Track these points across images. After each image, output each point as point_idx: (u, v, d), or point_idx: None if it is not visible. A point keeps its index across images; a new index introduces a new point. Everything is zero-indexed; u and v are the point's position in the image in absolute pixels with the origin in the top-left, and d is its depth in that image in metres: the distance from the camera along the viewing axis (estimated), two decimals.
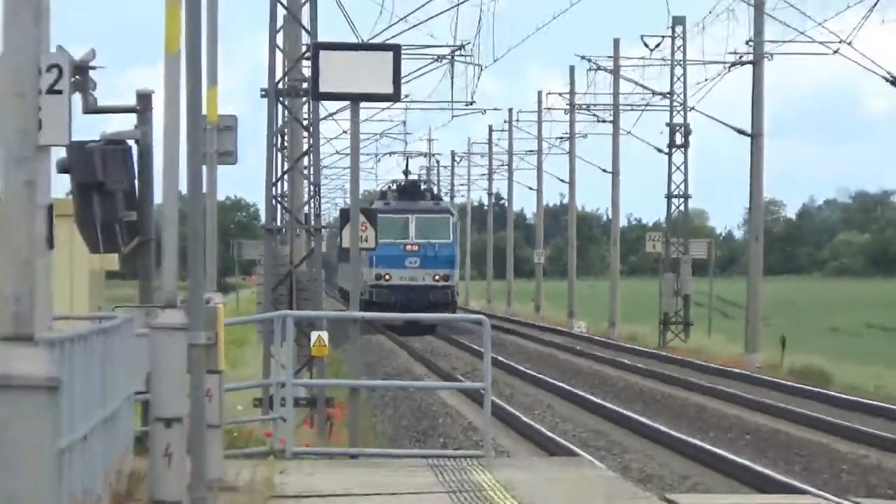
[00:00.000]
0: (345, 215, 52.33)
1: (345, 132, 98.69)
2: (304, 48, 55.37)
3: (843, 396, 74.71)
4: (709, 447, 52.29)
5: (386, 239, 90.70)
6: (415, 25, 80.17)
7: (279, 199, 55.80)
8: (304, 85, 54.57)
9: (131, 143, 24.04)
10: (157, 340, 23.43)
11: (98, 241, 23.84)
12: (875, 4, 75.03)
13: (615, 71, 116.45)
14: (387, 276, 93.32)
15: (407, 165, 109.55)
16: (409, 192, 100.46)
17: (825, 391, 77.93)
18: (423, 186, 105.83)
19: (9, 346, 11.17)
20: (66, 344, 20.45)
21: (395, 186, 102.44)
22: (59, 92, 20.44)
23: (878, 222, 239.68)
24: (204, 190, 30.13)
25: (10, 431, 11.22)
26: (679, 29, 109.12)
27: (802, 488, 39.53)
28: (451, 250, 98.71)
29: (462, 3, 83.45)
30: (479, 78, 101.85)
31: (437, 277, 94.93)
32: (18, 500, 11.64)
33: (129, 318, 26.59)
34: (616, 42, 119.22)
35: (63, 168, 23.82)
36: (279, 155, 56.03)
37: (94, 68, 21.80)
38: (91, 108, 22.88)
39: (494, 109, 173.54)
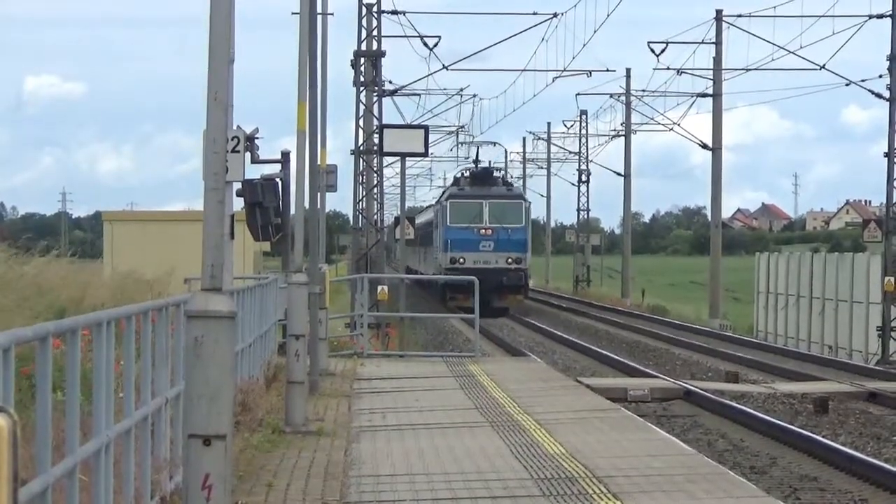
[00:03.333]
0: (396, 220, 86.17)
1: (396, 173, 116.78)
2: (374, 126, 70.31)
3: (676, 322, 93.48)
4: (602, 351, 65.52)
5: (460, 223, 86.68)
6: (437, 115, 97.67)
7: (360, 211, 72.73)
8: (375, 147, 70.22)
9: (278, 180, 30.75)
10: (291, 290, 31.71)
11: (258, 234, 31.13)
12: (693, 103, 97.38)
13: (548, 140, 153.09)
14: (461, 260, 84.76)
15: (477, 155, 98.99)
16: (482, 178, 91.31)
17: (665, 319, 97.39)
18: (494, 173, 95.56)
19: (208, 294, 13.32)
20: (239, 292, 29.06)
21: (467, 174, 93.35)
22: (238, 151, 25.04)
23: (696, 224, 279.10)
24: (318, 206, 38.27)
25: (207, 342, 13.19)
26: (584, 116, 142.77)
27: (654, 374, 51.38)
28: (523, 234, 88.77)
29: (463, 103, 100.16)
30: (478, 147, 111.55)
31: (509, 261, 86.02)
32: (210, 382, 13.54)
33: (275, 277, 38.35)
34: (548, 124, 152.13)
35: (239, 194, 29.93)
36: (360, 186, 73.40)
37: (257, 137, 27.87)
38: (255, 160, 29.13)
39: (479, 161, 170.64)
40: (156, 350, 17.41)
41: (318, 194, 38.33)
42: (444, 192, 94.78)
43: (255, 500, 19.26)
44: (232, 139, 23.07)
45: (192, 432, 12.59)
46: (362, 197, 71.40)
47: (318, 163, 37.49)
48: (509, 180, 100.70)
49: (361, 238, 71.51)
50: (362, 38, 71.38)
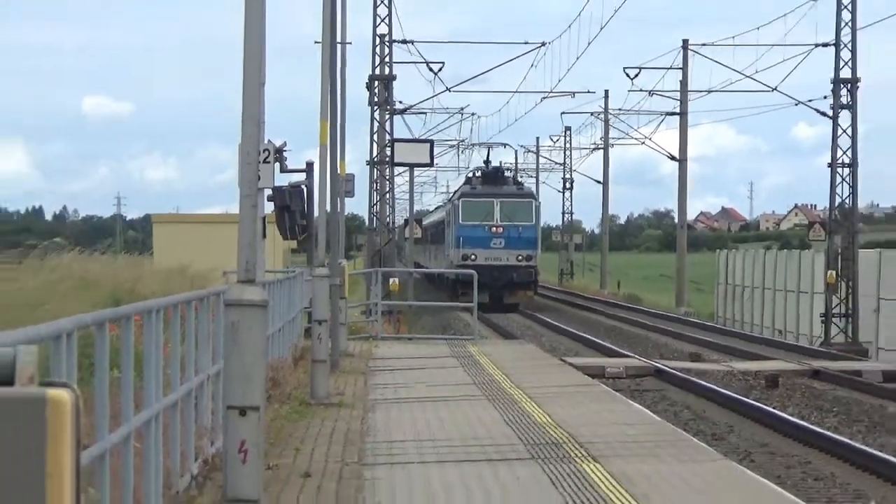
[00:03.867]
0: (406, 222, 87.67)
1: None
2: (386, 140, 70.69)
3: (648, 309, 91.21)
4: (584, 335, 63.76)
5: (472, 221, 79.96)
6: (441, 130, 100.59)
7: (374, 213, 72.37)
8: (387, 158, 70.88)
9: (303, 186, 30.72)
10: (314, 282, 31.64)
11: (286, 234, 31.15)
12: (662, 120, 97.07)
13: (536, 153, 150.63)
14: (472, 256, 77.32)
15: (488, 155, 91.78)
16: (493, 178, 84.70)
17: (638, 307, 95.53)
18: (506, 173, 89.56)
19: (243, 285, 13.56)
20: (270, 284, 29.17)
21: (478, 173, 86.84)
22: (268, 162, 24.93)
23: (664, 225, 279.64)
24: (338, 209, 38.43)
25: (242, 327, 13.40)
26: (568, 132, 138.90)
27: (628, 354, 50.71)
28: (533, 232, 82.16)
29: (463, 120, 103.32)
30: (489, 148, 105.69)
31: (520, 258, 79.19)
32: (245, 362, 13.74)
33: (301, 271, 37.82)
34: (537, 139, 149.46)
35: (270, 199, 29.89)
36: (374, 193, 72.79)
37: (285, 150, 27.91)
38: (283, 170, 29.05)
39: (490, 161, 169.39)
40: (199, 333, 17.40)
41: (338, 199, 38.34)
42: (456, 192, 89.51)
43: (284, 462, 19.31)
44: (263, 152, 23.11)
45: (230, 404, 12.68)
46: (376, 202, 71.48)
47: (338, 172, 37.61)
48: (519, 180, 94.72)
49: (375, 237, 71.67)
50: (376, 63, 71.43)
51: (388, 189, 75.33)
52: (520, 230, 79.59)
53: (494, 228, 78.40)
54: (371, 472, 18.87)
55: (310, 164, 33.44)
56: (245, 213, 13.71)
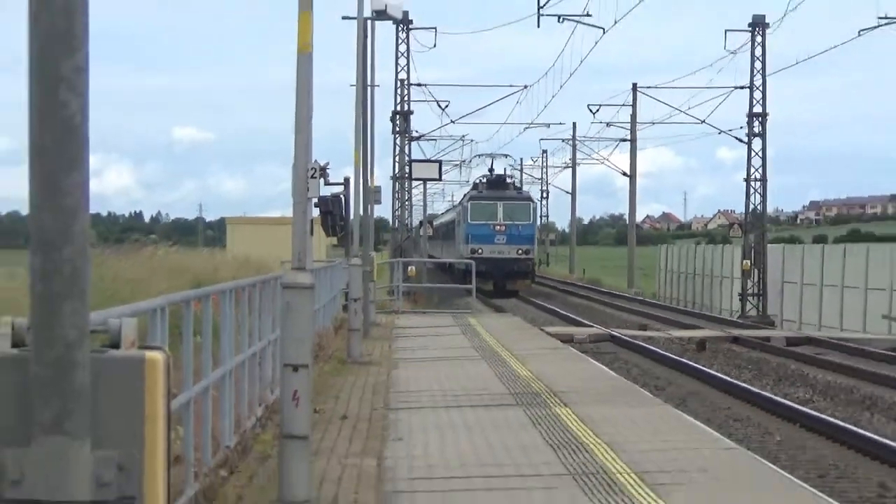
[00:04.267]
0: (421, 223, 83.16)
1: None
2: (406, 161, 69.10)
3: (606, 290, 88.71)
4: (555, 308, 63.13)
5: (479, 220, 75.52)
6: (447, 153, 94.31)
7: (397, 216, 70.62)
8: (406, 174, 69.31)
9: (341, 196, 30.94)
10: (350, 269, 31.94)
11: (329, 232, 31.83)
12: (617, 145, 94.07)
13: (521, 170, 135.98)
14: (479, 251, 72.22)
15: (492, 164, 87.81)
16: (496, 183, 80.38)
17: (599, 288, 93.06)
18: (510, 180, 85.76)
19: (296, 272, 12.95)
20: (316, 271, 27.69)
21: (484, 180, 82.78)
22: (315, 177, 24.76)
23: (618, 225, 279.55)
24: (368, 213, 38.60)
25: (294, 304, 12.77)
26: (545, 154, 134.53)
27: (591, 324, 49.02)
28: (531, 230, 77.75)
29: (464, 145, 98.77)
30: (493, 159, 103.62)
31: (519, 252, 74.94)
32: (298, 332, 13.13)
33: (340, 261, 37.30)
34: (521, 160, 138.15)
35: (317, 205, 29.33)
36: (396, 200, 70.64)
37: (327, 168, 27.96)
38: (327, 183, 29.23)
39: (493, 170, 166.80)
40: (262, 309, 17.59)
41: (369, 206, 38.44)
42: (465, 196, 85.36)
43: (327, 407, 19.38)
44: (311, 169, 23.11)
45: (286, 362, 12.62)
46: (398, 207, 71.27)
47: (369, 185, 37.74)
48: (519, 185, 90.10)
49: (397, 235, 71.69)
50: (397, 102, 71.29)
51: (407, 198, 74.09)
52: (519, 228, 75.55)
53: (498, 227, 74.26)
54: (394, 414, 18.92)
55: (346, 179, 33.68)
56: (297, 216, 13.58)
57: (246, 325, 16.36)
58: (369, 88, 37.66)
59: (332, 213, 36.14)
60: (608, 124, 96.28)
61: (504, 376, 24.63)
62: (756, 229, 64.40)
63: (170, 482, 4.07)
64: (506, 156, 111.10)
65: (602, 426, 17.30)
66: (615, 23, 42.79)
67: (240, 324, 15.83)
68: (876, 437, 21.08)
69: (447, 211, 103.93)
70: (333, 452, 15.37)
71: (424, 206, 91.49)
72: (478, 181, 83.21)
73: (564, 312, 59.95)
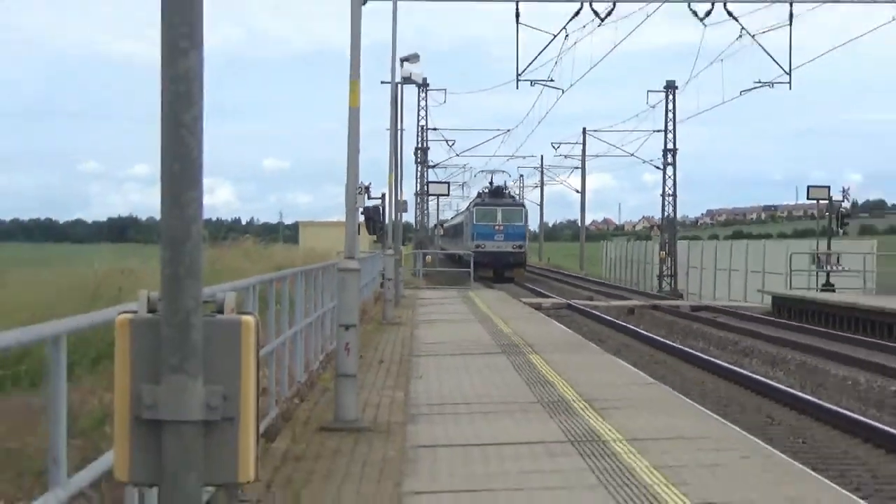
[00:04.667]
0: (435, 225, 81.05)
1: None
2: (424, 182, 69.73)
3: (565, 272, 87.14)
4: (529, 285, 61.91)
5: (482, 222, 69.50)
6: (453, 176, 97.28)
7: (418, 221, 72.17)
8: (425, 191, 69.79)
9: (379, 206, 31.73)
10: (385, 258, 32.18)
11: (371, 231, 33.07)
12: (572, 171, 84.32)
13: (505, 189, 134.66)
14: (482, 245, 66.81)
15: (492, 179, 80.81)
16: (496, 193, 74.35)
17: (560, 271, 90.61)
18: (506, 190, 78.81)
19: (348, 260, 12.86)
20: (362, 259, 26.25)
21: (486, 191, 76.79)
22: (361, 193, 25.04)
23: (573, 228, 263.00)
24: (398, 219, 37.95)
25: (346, 282, 12.64)
26: (521, 178, 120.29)
27: (553, 296, 48.80)
28: (523, 230, 71.32)
29: (466, 171, 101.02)
30: (492, 174, 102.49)
31: (514, 246, 69.08)
32: (348, 302, 12.87)
33: (380, 253, 35.61)
34: (504, 182, 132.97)
35: (363, 213, 28.59)
36: (418, 209, 71.26)
37: (370, 186, 28.26)
38: (369, 198, 30.28)
39: (493, 183, 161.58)
40: (324, 285, 17.47)
41: (398, 214, 38.57)
42: (471, 203, 79.32)
43: (368, 354, 19.33)
44: (358, 188, 23.24)
45: (340, 323, 12.64)
46: (419, 214, 71.70)
47: (398, 199, 37.80)
48: (514, 195, 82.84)
49: (418, 234, 71.89)
50: (419, 141, 71.44)
51: (425, 208, 74.94)
52: (514, 228, 69.86)
53: (497, 227, 68.72)
54: (416, 360, 18.95)
55: (383, 195, 34.49)
56: (349, 221, 13.61)
57: (312, 297, 16.27)
58: (399, 132, 37.80)
59: (373, 219, 36.41)
60: (566, 156, 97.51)
61: (492, 333, 24.61)
62: (669, 230, 64.48)
63: (258, 407, 4.10)
64: (503, 171, 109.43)
65: (561, 368, 17.33)
66: (570, 85, 42.66)
67: (308, 296, 15.72)
68: (758, 376, 21.29)
69: (454, 217, 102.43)
70: (374, 386, 15.38)
71: (437, 213, 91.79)
72: (481, 191, 78.86)
73: (535, 288, 59.82)
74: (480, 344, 22.07)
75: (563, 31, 37.23)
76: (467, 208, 78.75)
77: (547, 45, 38.76)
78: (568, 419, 12.41)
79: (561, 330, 26.57)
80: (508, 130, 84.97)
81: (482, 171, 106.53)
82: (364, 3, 14.68)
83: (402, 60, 34.84)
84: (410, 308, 33.44)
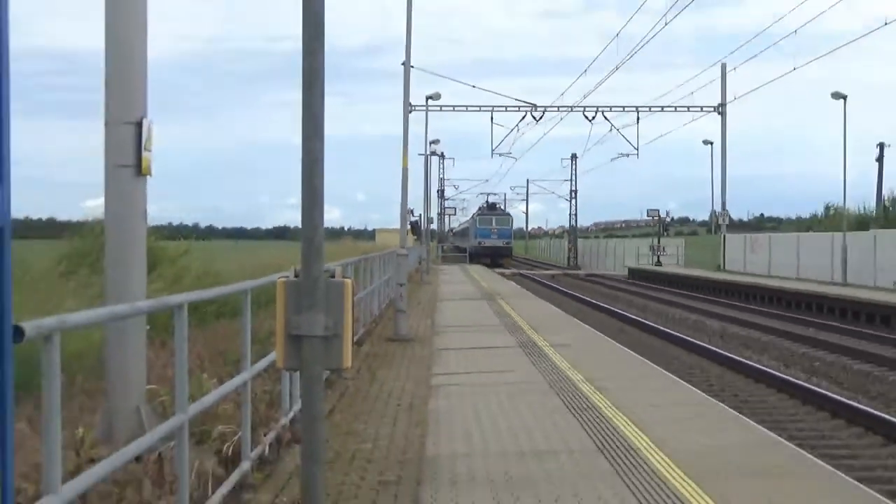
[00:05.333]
0: (449, 230, 71.38)
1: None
2: (444, 207, 64.06)
3: (517, 257, 75.17)
4: (511, 271, 56.32)
5: (482, 226, 60.43)
6: (458, 202, 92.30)
7: (439, 228, 64.84)
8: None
9: (419, 221, 30.15)
10: (422, 249, 31.38)
11: (414, 234, 30.31)
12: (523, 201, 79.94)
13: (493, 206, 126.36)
14: (482, 242, 59.27)
15: (488, 198, 69.45)
16: (491, 207, 64.45)
17: (517, 257, 76.90)
18: (497, 205, 67.54)
19: (401, 249, 13.31)
20: (410, 249, 24.65)
21: (485, 205, 65.85)
22: (408, 213, 20.04)
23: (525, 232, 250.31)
24: (428, 227, 35.89)
25: (400, 262, 12.73)
26: (504, 199, 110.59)
27: (510, 269, 45.70)
28: (510, 231, 61.48)
29: (466, 201, 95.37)
30: (488, 195, 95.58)
31: (504, 242, 59.96)
32: (402, 273, 12.82)
33: (419, 246, 33.98)
34: (495, 203, 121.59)
35: (410, 225, 25.93)
36: (439, 222, 64.66)
37: (412, 210, 27.87)
38: (412, 216, 28.97)
39: (489, 200, 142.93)
40: (387, 265, 16.83)
41: (427, 224, 37.70)
42: (474, 214, 68.28)
43: (412, 300, 18.29)
44: (408, 212, 22.19)
45: (397, 282, 12.58)
46: (440, 225, 69.58)
47: (428, 216, 37.41)
48: (503, 208, 70.62)
49: (439, 235, 69.58)
50: (439, 185, 65.38)
51: (443, 221, 71.91)
52: (504, 230, 60.20)
53: (493, 229, 59.79)
54: (439, 304, 18.72)
55: (420, 215, 33.74)
56: (402, 229, 13.82)
57: (380, 270, 15.87)
58: (427, 181, 37.68)
59: (415, 227, 36.15)
60: (517, 193, 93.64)
61: (477, 288, 24.28)
62: (572, 233, 63.33)
63: (353, 328, 3.96)
64: (496, 194, 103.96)
65: (515, 306, 17.20)
66: (522, 155, 43.03)
67: (379, 268, 15.39)
68: (616, 309, 21.02)
69: (460, 224, 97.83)
70: (415, 316, 15.16)
71: (448, 223, 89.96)
72: (482, 205, 69.56)
73: (501, 263, 57.71)
74: (471, 294, 21.71)
75: (517, 126, 37.12)
76: (471, 217, 72.34)
77: (507, 134, 38.64)
78: (517, 334, 12.25)
79: (515, 286, 26.08)
80: (487, 180, 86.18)
81: (480, 193, 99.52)
82: (410, 112, 15.03)
83: (431, 142, 35.23)
84: (435, 276, 32.64)
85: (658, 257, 44.88)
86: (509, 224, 64.45)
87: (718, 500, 4.09)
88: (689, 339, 14.49)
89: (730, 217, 38.79)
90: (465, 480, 4.51)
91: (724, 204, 37.12)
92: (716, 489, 4.26)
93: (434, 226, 69.25)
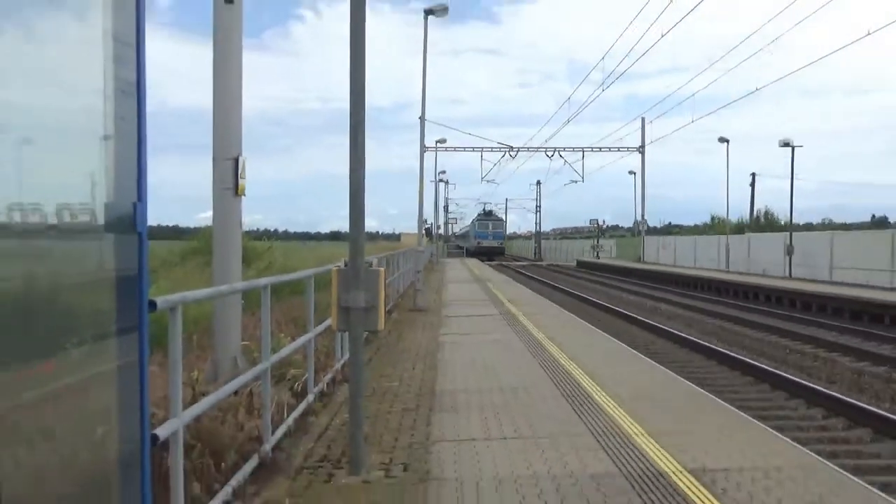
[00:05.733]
0: (453, 234, 62.48)
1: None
2: (446, 219, 60.00)
3: (516, 256, 66.18)
4: (495, 262, 51.95)
5: (481, 229, 52.89)
6: (458, 220, 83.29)
7: (445, 233, 60.28)
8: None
9: (430, 229, 28.11)
10: (434, 247, 30.03)
11: (428, 237, 26.10)
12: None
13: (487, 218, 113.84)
14: (480, 242, 51.83)
15: (485, 207, 59.04)
16: (488, 213, 55.77)
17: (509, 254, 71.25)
18: (493, 212, 57.25)
19: (419, 247, 13.44)
20: (426, 248, 22.12)
21: (483, 213, 56.74)
22: (424, 223, 18.27)
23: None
24: (437, 232, 35.53)
25: (418, 256, 12.61)
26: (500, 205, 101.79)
27: (498, 261, 42.65)
28: (503, 235, 53.68)
29: (463, 216, 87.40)
30: (485, 204, 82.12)
31: (499, 243, 52.42)
32: (419, 262, 12.81)
33: (428, 247, 29.13)
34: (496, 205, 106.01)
35: (425, 230, 19.80)
36: (445, 226, 60.01)
37: (427, 219, 24.71)
38: (426, 225, 24.29)
39: (486, 209, 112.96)
40: (408, 258, 16.07)
41: (437, 230, 37.08)
42: (473, 220, 59.32)
43: (427, 283, 17.64)
44: (423, 222, 21.02)
45: (416, 270, 12.27)
46: (445, 230, 66.77)
47: (438, 224, 36.65)
48: (498, 215, 59.04)
49: (445, 237, 67.82)
50: (444, 203, 61.98)
51: (448, 227, 69.43)
52: (498, 233, 52.90)
53: (489, 232, 51.93)
54: (446, 286, 18.21)
55: (431, 223, 32.49)
56: (419, 233, 13.38)
57: (409, 260, 15.32)
58: (436, 203, 37.08)
59: (428, 232, 35.24)
60: (499, 209, 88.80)
61: (471, 274, 23.62)
62: (538, 236, 62.20)
63: (385, 302, 3.86)
64: (493, 202, 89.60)
65: (498, 288, 16.67)
66: (503, 182, 42.03)
67: (403, 260, 14.85)
68: (568, 289, 20.11)
69: (462, 229, 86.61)
70: (429, 293, 14.65)
71: (452, 228, 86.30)
72: (479, 213, 58.14)
73: (501, 264, 53.47)
74: (467, 279, 21.18)
75: (499, 162, 36.46)
76: (471, 221, 64.95)
77: (492, 168, 38.72)
78: (500, 306, 12.03)
79: (496, 273, 25.23)
80: (478, 199, 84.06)
81: (478, 202, 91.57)
82: (425, 153, 14.90)
83: (439, 173, 34.94)
84: (442, 266, 31.39)
85: (597, 252, 44.06)
86: (503, 228, 56.85)
87: (636, 418, 4.24)
88: (616, 308, 14.35)
89: (647, 224, 38.97)
90: (462, 407, 4.63)
91: (643, 215, 37.15)
92: (630, 406, 4.51)
93: (441, 231, 67.90)
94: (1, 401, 1.34)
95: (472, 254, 48.27)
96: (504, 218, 57.32)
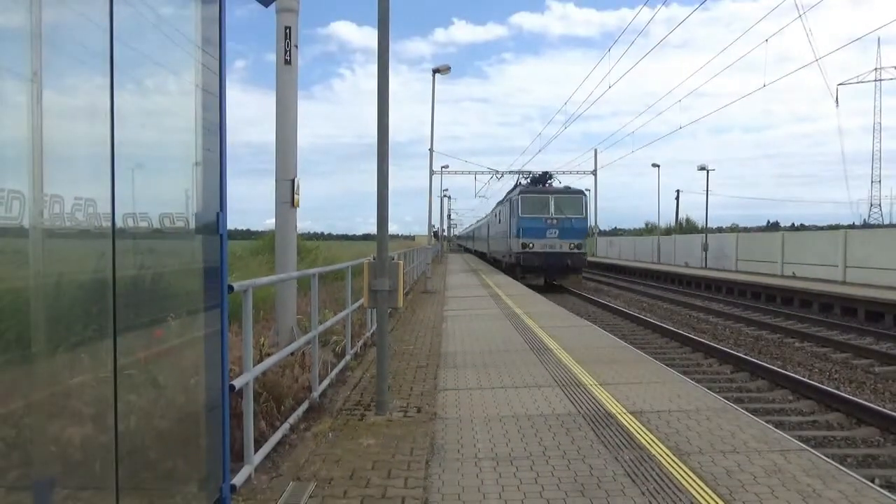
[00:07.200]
0: (454, 235, 53.85)
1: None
2: (448, 224, 54.51)
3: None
4: (484, 263, 38.54)
5: (531, 214, 12.80)
6: (457, 226, 73.74)
7: (448, 234, 57.01)
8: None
9: (438, 232, 24.17)
10: (440, 245, 26.80)
11: (435, 238, 21.66)
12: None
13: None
14: (531, 245, 12.58)
15: (531, 174, 15.71)
16: (542, 181, 13.97)
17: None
18: (550, 181, 13.39)
19: (428, 244, 11.66)
20: (434, 246, 21.34)
21: (528, 180, 14.78)
22: (433, 227, 17.78)
23: None
24: (442, 235, 30.36)
25: (429, 251, 12.27)
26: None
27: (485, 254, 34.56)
28: (584, 224, 11.67)
29: (466, 213, 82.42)
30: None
31: (572, 246, 12.02)
32: (428, 257, 12.36)
33: (436, 245, 25.87)
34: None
35: (433, 233, 18.03)
36: (448, 230, 55.00)
37: (434, 224, 22.44)
38: (435, 229, 22.13)
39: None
40: (421, 254, 14.83)
41: (442, 233, 33.78)
42: (511, 192, 15.79)
43: (435, 272, 17.00)
44: (431, 226, 19.31)
45: (426, 263, 11.88)
46: (449, 233, 62.54)
47: (443, 228, 34.61)
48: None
49: (448, 238, 63.20)
50: (447, 213, 56.98)
51: (450, 230, 64.04)
52: (572, 222, 12.79)
53: (549, 220, 12.87)
54: (449, 275, 16.98)
55: (438, 228, 29.76)
56: (429, 235, 13.15)
57: (423, 255, 14.37)
58: (441, 213, 35.80)
59: (436, 234, 33.71)
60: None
61: (469, 266, 22.29)
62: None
63: (403, 287, 3.89)
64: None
65: (488, 278, 15.65)
66: (491, 196, 39.53)
67: (417, 255, 14.21)
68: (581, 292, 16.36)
69: (468, 228, 68.11)
70: (435, 280, 13.97)
71: (451, 232, 74.43)
72: (518, 182, 18.18)
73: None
74: (464, 269, 20.11)
75: (488, 182, 35.26)
76: (505, 199, 36.76)
77: (483, 186, 37.87)
78: (489, 290, 11.77)
79: (487, 266, 23.44)
80: (472, 210, 76.19)
81: (470, 210, 79.08)
82: (433, 175, 14.86)
83: (444, 191, 34.93)
84: (446, 259, 29.55)
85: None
86: (582, 209, 13.88)
87: (591, 373, 4.35)
88: (578, 292, 13.51)
89: (599, 228, 38.26)
90: (461, 365, 4.74)
91: (596, 221, 35.58)
92: (590, 367, 4.56)
93: (445, 233, 64.76)
94: (127, 357, 1.47)
95: (509, 268, 16.65)
96: (582, 190, 14.95)
